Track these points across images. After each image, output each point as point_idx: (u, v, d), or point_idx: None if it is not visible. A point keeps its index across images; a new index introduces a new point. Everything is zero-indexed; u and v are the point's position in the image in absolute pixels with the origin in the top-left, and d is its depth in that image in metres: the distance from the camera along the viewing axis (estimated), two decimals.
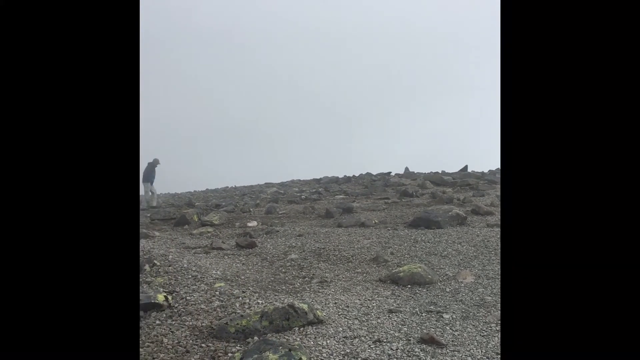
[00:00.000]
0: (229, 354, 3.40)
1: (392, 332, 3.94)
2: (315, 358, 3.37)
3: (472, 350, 3.61)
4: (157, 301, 4.36)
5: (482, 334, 3.96)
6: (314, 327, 3.93)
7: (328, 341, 3.66)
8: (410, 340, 3.75)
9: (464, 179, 17.49)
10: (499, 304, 4.59)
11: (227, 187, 35.38)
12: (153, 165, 16.67)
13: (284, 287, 5.40)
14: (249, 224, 10.36)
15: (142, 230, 9.71)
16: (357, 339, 3.74)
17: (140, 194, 17.69)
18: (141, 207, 16.17)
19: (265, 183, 30.16)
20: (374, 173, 26.80)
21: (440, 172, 23.63)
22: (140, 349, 3.50)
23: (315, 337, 3.72)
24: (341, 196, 16.52)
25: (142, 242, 7.98)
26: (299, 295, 5.05)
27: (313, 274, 6.00)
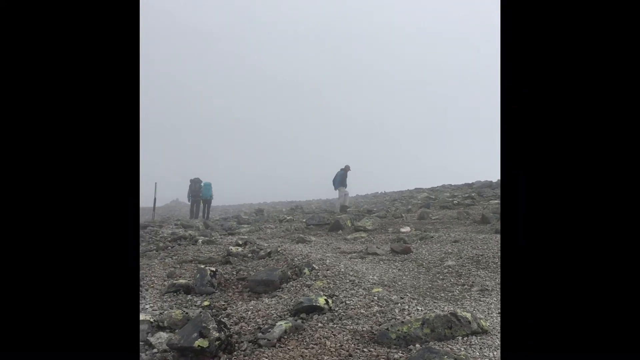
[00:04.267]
0: None
1: None
2: None
3: None
4: (318, 304, 4.48)
5: None
6: (479, 337, 3.75)
7: (495, 353, 3.46)
8: None
9: None
10: None
11: (377, 192, 35.63)
12: (345, 171, 18.11)
13: (442, 295, 5.25)
14: (402, 230, 10.29)
15: (299, 235, 10.10)
16: None
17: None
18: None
19: (415, 188, 29.86)
20: None
21: None
22: (305, 350, 3.60)
23: (481, 348, 3.54)
24: (496, 201, 15.76)
25: (300, 247, 8.29)
26: (459, 303, 4.87)
27: (472, 282, 5.76)
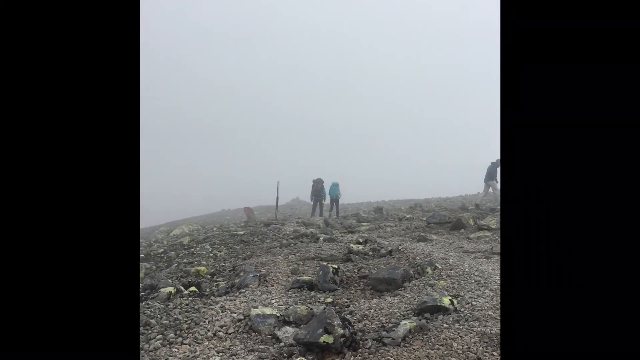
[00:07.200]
0: None
1: None
2: None
3: None
4: (442, 304, 4.37)
5: None
6: None
7: None
8: None
9: None
10: None
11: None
12: (496, 165, 18.26)
13: None
14: None
15: (420, 233, 9.93)
16: None
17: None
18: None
19: None
20: None
21: None
22: (430, 350, 3.52)
23: None
24: None
25: (421, 245, 8.15)
26: None
27: None
